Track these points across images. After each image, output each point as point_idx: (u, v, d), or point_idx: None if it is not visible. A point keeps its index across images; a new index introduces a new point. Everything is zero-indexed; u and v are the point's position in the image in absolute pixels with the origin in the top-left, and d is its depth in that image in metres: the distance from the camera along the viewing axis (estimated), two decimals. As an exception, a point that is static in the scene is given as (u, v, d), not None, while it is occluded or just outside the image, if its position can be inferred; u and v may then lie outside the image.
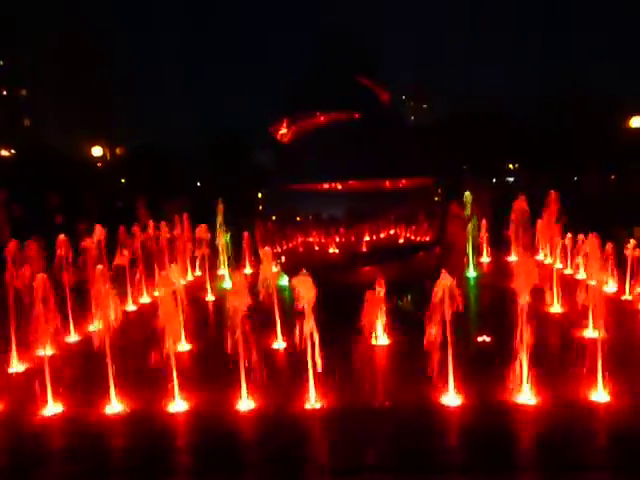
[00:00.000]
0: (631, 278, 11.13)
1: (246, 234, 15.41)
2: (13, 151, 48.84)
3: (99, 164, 43.86)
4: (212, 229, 15.53)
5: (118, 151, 53.88)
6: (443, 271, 6.74)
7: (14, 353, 8.78)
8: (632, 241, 11.10)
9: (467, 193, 14.95)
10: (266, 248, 9.69)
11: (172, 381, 7.11)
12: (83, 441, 6.52)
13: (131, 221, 14.21)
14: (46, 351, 7.55)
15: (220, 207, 15.65)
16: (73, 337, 10.27)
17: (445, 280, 6.67)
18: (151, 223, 14.60)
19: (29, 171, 33.66)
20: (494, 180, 41.08)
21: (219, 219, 15.58)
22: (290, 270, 8.51)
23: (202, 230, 14.20)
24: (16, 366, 8.77)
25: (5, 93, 78.51)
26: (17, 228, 10.60)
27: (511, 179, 46.67)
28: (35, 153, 38.98)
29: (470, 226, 14.46)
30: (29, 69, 75.79)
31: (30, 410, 7.19)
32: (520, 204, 13.35)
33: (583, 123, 39.28)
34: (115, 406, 7.14)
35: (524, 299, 6.61)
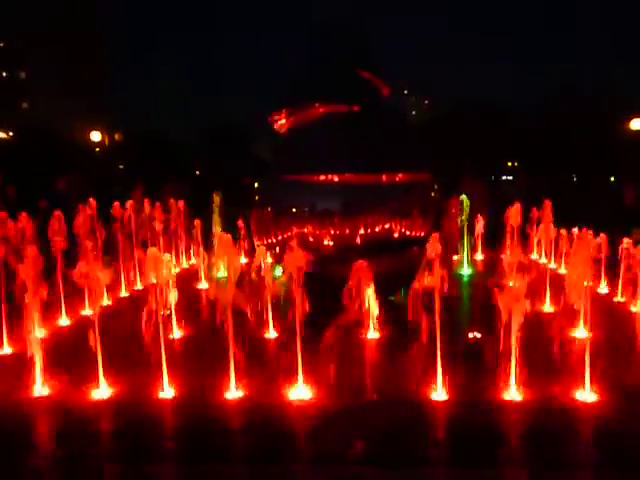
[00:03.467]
0: (624, 279, 11.13)
1: (241, 224, 15.40)
2: (11, 133, 48.57)
3: (97, 149, 43.63)
4: (208, 218, 15.55)
5: (117, 137, 53.60)
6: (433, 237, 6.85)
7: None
8: (625, 240, 11.04)
9: (464, 196, 14.96)
10: (261, 247, 9.76)
11: (162, 368, 7.11)
12: (70, 424, 6.54)
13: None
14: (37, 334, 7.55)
15: (217, 198, 15.66)
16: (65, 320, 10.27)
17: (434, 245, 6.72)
18: (146, 201, 14.52)
19: (26, 154, 33.48)
20: (492, 178, 41.10)
21: (215, 210, 15.60)
22: (284, 261, 8.48)
23: (198, 224, 14.21)
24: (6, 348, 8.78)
25: (4, 75, 77.92)
26: (9, 210, 10.53)
27: (510, 178, 46.71)
28: (33, 136, 38.77)
29: (462, 224, 14.52)
30: (28, 52, 75.21)
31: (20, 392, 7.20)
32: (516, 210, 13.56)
33: (582, 123, 39.29)
34: (103, 391, 7.15)
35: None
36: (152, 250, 7.32)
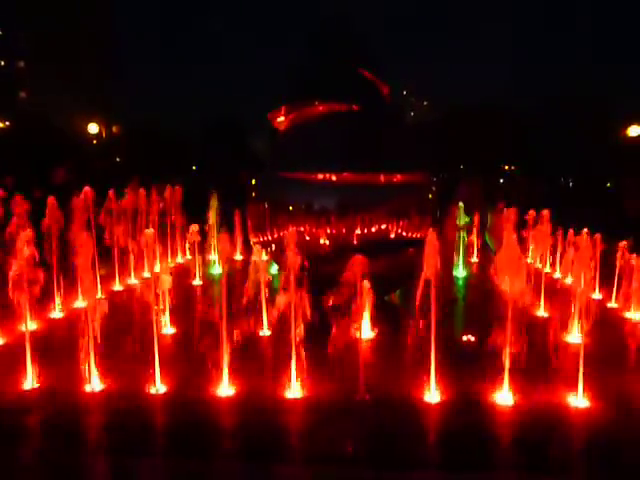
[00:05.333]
0: (618, 285, 11.14)
1: (237, 221, 15.36)
2: (8, 123, 48.27)
3: (94, 141, 43.46)
4: (204, 214, 15.47)
5: (115, 129, 53.35)
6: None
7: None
8: (623, 243, 11.02)
9: (461, 204, 14.96)
10: (257, 246, 9.75)
11: (153, 363, 7.08)
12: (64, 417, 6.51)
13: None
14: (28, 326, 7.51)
15: (213, 197, 15.57)
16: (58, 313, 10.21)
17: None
18: (142, 192, 14.39)
19: (23, 144, 33.30)
20: (489, 180, 41.10)
21: (212, 207, 15.50)
22: (280, 259, 8.46)
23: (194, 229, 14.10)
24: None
25: (2, 64, 77.42)
26: (7, 200, 10.45)
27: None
28: (29, 126, 38.53)
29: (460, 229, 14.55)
30: (28, 41, 74.78)
31: (9, 384, 7.15)
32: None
33: (580, 128, 39.36)
34: (96, 385, 7.12)
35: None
36: (149, 232, 7.21)
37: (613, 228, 12.95)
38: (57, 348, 8.24)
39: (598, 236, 10.82)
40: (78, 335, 7.20)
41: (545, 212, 12.69)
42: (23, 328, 7.64)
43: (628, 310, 10.68)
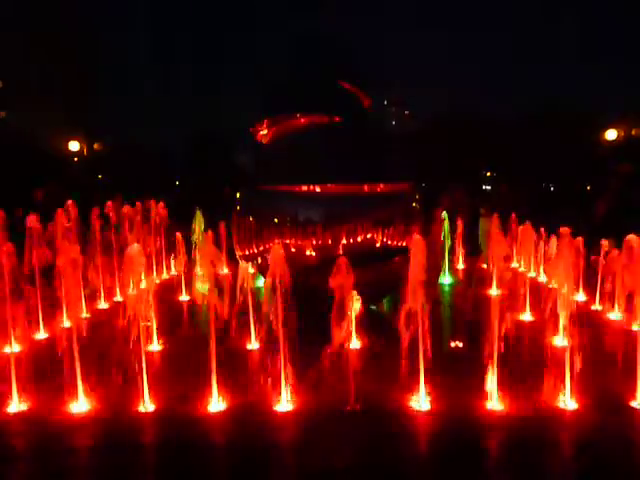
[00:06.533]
0: (602, 287, 11.24)
1: (222, 234, 15.31)
2: (-13, 142, 47.62)
3: (75, 159, 43.04)
4: (188, 228, 15.40)
5: (96, 147, 52.93)
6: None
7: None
8: (605, 242, 11.12)
9: (444, 213, 15.04)
10: (242, 262, 9.75)
11: (141, 381, 7.00)
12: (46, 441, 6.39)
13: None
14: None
15: (198, 211, 15.54)
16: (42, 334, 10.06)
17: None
18: (127, 207, 14.32)
19: (3, 163, 32.91)
20: (472, 187, 41.43)
21: (196, 221, 15.45)
22: (266, 271, 8.44)
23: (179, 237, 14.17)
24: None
25: (-18, 83, 76.62)
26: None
27: (488, 187, 47.23)
28: (9, 145, 38.11)
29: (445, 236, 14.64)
30: (5, 59, 74.20)
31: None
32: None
33: (559, 133, 39.93)
34: (81, 405, 7.02)
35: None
36: (134, 247, 7.14)
37: (584, 230, 13.06)
38: (42, 369, 8.11)
39: (580, 238, 10.93)
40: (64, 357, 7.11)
41: (527, 217, 12.86)
42: (7, 350, 7.54)
43: (611, 311, 10.82)
